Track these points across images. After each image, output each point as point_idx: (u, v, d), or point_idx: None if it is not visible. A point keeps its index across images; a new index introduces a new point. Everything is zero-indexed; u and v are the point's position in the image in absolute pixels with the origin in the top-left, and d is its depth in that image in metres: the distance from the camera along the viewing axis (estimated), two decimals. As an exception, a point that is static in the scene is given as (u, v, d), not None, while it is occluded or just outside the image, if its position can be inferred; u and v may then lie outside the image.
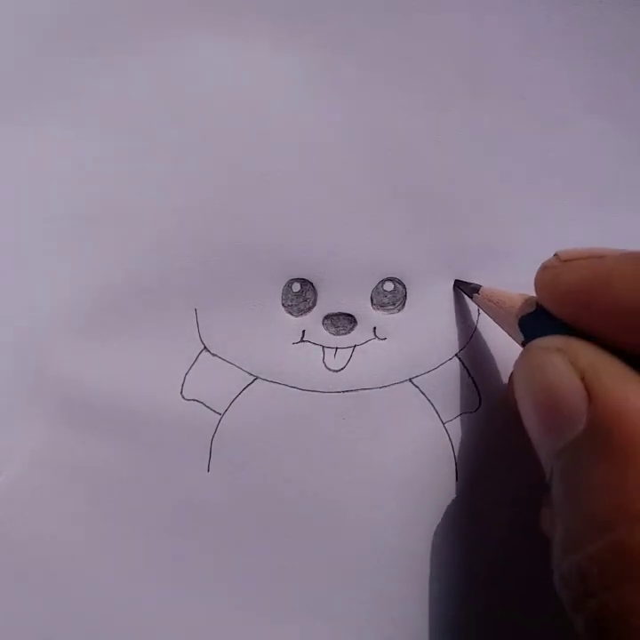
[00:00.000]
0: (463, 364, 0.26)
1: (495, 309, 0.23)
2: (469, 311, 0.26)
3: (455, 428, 0.26)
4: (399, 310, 0.26)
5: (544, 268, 0.20)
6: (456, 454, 0.26)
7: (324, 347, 0.26)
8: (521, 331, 0.22)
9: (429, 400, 0.26)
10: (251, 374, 0.25)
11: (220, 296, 0.25)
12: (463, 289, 0.25)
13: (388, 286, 0.26)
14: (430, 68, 0.25)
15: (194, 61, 0.25)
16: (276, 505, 0.25)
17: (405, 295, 0.26)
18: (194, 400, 0.25)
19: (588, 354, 0.18)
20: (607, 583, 0.16)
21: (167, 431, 0.25)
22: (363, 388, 0.26)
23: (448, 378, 0.26)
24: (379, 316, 0.26)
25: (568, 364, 0.18)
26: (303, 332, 0.26)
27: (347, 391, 0.26)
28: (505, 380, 0.26)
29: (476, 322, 0.26)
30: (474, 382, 0.26)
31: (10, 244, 0.25)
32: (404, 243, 0.25)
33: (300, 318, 0.26)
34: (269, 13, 0.24)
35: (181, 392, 0.25)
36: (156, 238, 0.25)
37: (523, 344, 0.22)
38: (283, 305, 0.26)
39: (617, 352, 0.18)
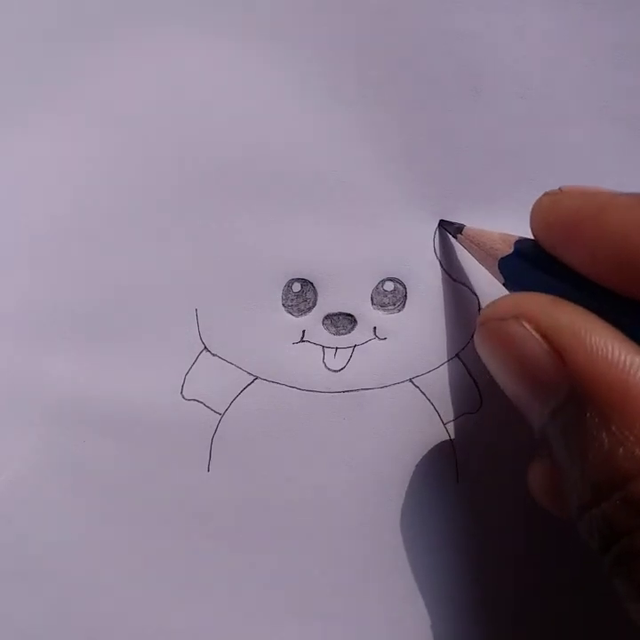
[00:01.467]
0: (464, 364, 0.26)
1: (477, 251, 0.23)
2: (469, 311, 0.26)
3: (456, 428, 0.26)
4: (399, 310, 0.26)
5: (545, 194, 0.20)
6: (457, 455, 0.26)
7: (324, 347, 0.26)
8: (500, 272, 0.22)
9: (430, 400, 0.26)
10: (251, 374, 0.25)
11: (221, 296, 0.25)
12: (448, 229, 0.25)
13: (388, 286, 0.26)
14: (430, 68, 0.25)
15: (194, 62, 0.25)
16: (276, 505, 0.25)
17: (405, 295, 0.26)
18: (194, 400, 0.25)
19: (546, 311, 0.18)
20: (633, 525, 0.16)
21: (167, 431, 0.25)
22: (363, 388, 0.26)
23: (449, 378, 0.26)
24: (379, 316, 0.26)
25: (528, 328, 0.18)
26: (303, 331, 0.26)
27: (347, 391, 0.26)
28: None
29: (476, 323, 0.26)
30: (475, 382, 0.26)
31: (10, 243, 0.25)
32: (404, 243, 0.25)
33: (300, 318, 0.26)
34: (269, 13, 0.25)
35: (181, 392, 0.25)
36: (156, 238, 0.25)
37: (504, 285, 0.22)
38: (283, 305, 0.26)
39: (597, 293, 0.18)
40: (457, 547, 0.25)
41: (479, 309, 0.26)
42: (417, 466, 0.25)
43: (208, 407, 0.25)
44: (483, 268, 0.24)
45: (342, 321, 0.26)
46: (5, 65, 0.24)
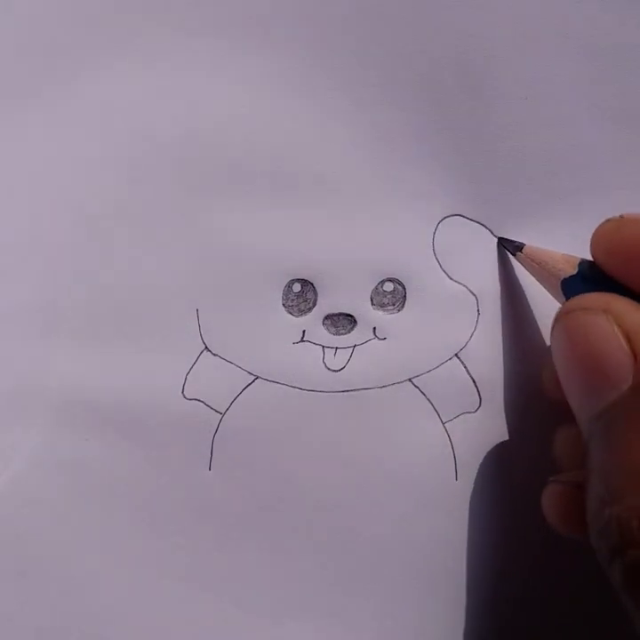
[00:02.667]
0: (463, 363, 0.26)
1: (538, 270, 0.23)
2: (468, 311, 0.26)
3: (455, 428, 0.26)
4: (399, 310, 0.26)
5: (606, 220, 0.21)
6: (456, 454, 0.26)
7: (324, 347, 0.26)
8: (563, 293, 0.22)
9: (429, 400, 0.26)
10: (251, 374, 0.25)
11: (221, 296, 0.25)
12: (506, 246, 0.25)
13: (388, 286, 0.26)
14: (431, 68, 0.25)
15: (194, 62, 0.25)
16: (276, 504, 0.25)
17: (405, 295, 0.26)
18: (195, 400, 0.25)
19: (633, 314, 0.19)
20: None
21: (168, 431, 0.25)
22: (362, 388, 0.26)
23: (448, 378, 0.26)
24: (379, 317, 0.26)
25: (613, 324, 0.18)
26: (303, 331, 0.26)
27: (347, 391, 0.26)
28: (506, 379, 0.26)
29: (476, 321, 0.26)
30: (474, 382, 0.26)
31: (10, 244, 0.25)
32: (404, 243, 0.26)
33: (300, 318, 0.26)
34: (269, 12, 0.25)
35: (182, 392, 0.25)
36: (156, 238, 0.25)
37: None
38: (283, 305, 0.26)
39: None
40: (456, 545, 0.25)
41: (478, 309, 0.26)
42: (416, 465, 0.26)
43: (209, 407, 0.25)
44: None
45: (342, 321, 0.26)
46: (5, 65, 0.24)
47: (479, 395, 0.26)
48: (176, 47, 0.25)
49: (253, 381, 0.25)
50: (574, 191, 0.26)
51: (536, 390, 0.25)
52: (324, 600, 0.25)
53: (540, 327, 0.25)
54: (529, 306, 0.26)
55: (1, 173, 0.25)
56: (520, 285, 0.26)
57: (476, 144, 0.25)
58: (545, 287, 0.23)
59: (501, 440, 0.26)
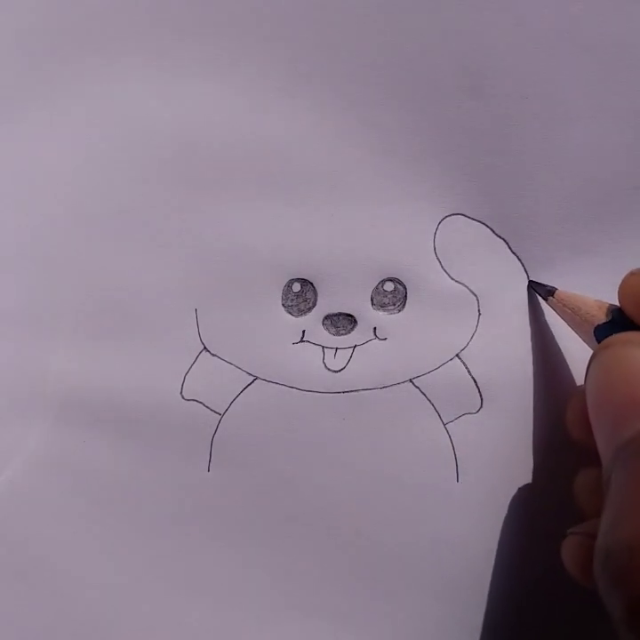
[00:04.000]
0: (464, 364, 0.26)
1: (570, 315, 0.23)
2: (469, 311, 0.26)
3: (456, 428, 0.26)
4: (399, 310, 0.26)
5: (631, 274, 0.21)
6: (457, 455, 0.26)
7: (323, 347, 0.26)
8: (596, 339, 0.22)
9: (430, 401, 0.26)
10: (250, 374, 0.25)
11: (221, 296, 0.25)
12: (538, 291, 0.25)
13: (389, 286, 0.26)
14: (431, 68, 0.25)
15: (193, 62, 0.25)
16: (275, 505, 0.25)
17: (405, 295, 0.26)
18: (194, 400, 0.25)
19: None
20: None
21: (167, 431, 0.25)
22: (363, 389, 0.26)
23: (449, 378, 0.26)
24: (379, 317, 0.26)
25: None
26: (303, 332, 0.26)
27: (347, 391, 0.26)
28: (507, 380, 0.26)
29: (477, 321, 0.26)
30: (475, 383, 0.26)
31: (10, 244, 0.25)
32: (405, 242, 0.25)
33: (300, 318, 0.26)
34: (269, 12, 0.25)
35: (181, 392, 0.25)
36: (156, 238, 0.25)
37: None
38: (283, 305, 0.26)
39: None
40: (456, 546, 0.25)
41: (479, 309, 0.26)
42: (417, 466, 0.25)
43: (208, 407, 0.25)
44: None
45: (342, 321, 0.26)
46: (5, 65, 0.24)
47: (480, 395, 0.26)
48: (175, 47, 0.25)
49: (253, 382, 0.25)
50: (575, 190, 0.25)
51: (538, 392, 0.25)
52: (324, 600, 0.25)
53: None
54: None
55: (2, 173, 0.25)
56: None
57: (477, 143, 0.25)
58: (575, 331, 0.24)
59: (503, 440, 0.26)
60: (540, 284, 0.25)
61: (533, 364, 0.25)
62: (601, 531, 0.18)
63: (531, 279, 0.26)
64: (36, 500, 0.25)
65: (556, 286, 0.25)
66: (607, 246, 0.26)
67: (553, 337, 0.26)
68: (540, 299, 0.25)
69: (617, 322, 0.22)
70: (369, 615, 0.25)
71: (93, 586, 0.25)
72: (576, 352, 0.25)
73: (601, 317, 0.22)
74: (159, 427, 0.25)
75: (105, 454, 0.25)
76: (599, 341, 0.22)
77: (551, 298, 0.24)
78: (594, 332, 0.22)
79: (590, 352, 0.21)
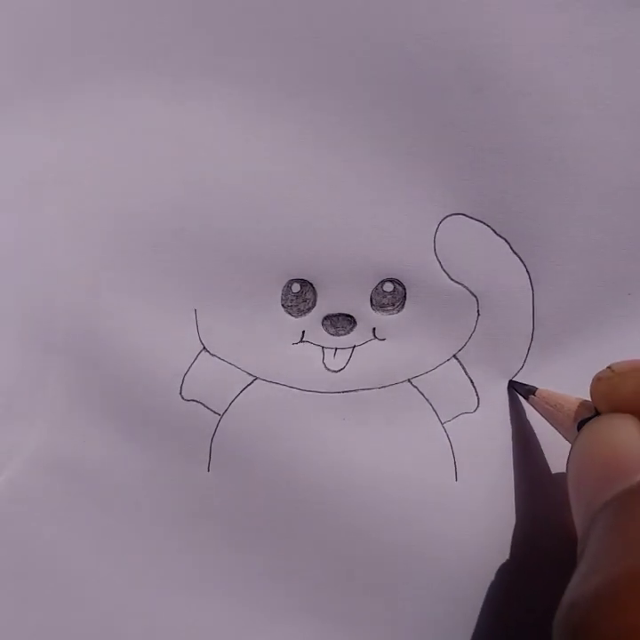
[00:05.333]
0: (462, 364, 0.26)
1: (552, 412, 0.24)
2: (468, 312, 0.26)
3: (454, 428, 0.26)
4: (399, 311, 0.26)
5: (598, 380, 0.21)
6: (455, 455, 0.26)
7: (323, 347, 0.26)
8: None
9: (428, 400, 0.26)
10: (250, 375, 0.25)
11: (220, 296, 0.25)
12: (518, 390, 0.26)
13: (388, 287, 0.26)
14: (432, 66, 0.24)
15: (193, 61, 0.24)
16: (275, 505, 0.25)
17: (405, 296, 0.26)
18: (193, 400, 0.25)
19: None
20: (625, 605, 0.15)
21: (167, 432, 0.25)
22: (362, 389, 0.26)
23: (447, 378, 0.26)
24: (378, 317, 0.26)
25: (637, 423, 0.20)
26: (303, 332, 0.26)
27: (346, 392, 0.26)
28: (503, 380, 0.26)
29: (475, 322, 0.26)
30: (472, 383, 0.26)
31: (10, 243, 0.25)
32: (405, 242, 0.25)
33: (299, 319, 0.26)
34: (269, 13, 0.24)
35: (180, 392, 0.25)
36: (155, 238, 0.25)
37: None
38: (282, 305, 0.25)
39: None
40: (455, 546, 0.25)
41: (478, 310, 0.26)
42: (415, 465, 0.26)
43: (207, 408, 0.25)
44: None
45: (342, 322, 0.26)
46: (5, 66, 0.24)
47: (477, 395, 0.26)
48: (175, 47, 0.24)
49: (252, 382, 0.25)
50: (577, 189, 0.25)
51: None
52: (324, 601, 0.25)
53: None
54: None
55: (3, 170, 0.24)
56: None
57: (478, 142, 0.25)
58: (557, 428, 0.24)
59: (500, 440, 0.26)
60: (520, 383, 0.26)
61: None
62: (568, 588, 0.18)
63: (511, 379, 0.26)
64: (36, 499, 0.25)
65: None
66: (609, 245, 0.26)
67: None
68: (520, 397, 0.26)
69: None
70: (367, 614, 0.25)
71: (93, 586, 0.25)
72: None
73: (585, 413, 0.22)
74: (159, 427, 0.25)
75: (104, 455, 0.25)
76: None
77: (532, 397, 0.25)
78: (578, 426, 0.22)
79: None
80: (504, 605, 0.25)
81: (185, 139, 0.25)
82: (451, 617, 0.25)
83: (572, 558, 0.25)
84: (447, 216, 0.25)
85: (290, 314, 0.26)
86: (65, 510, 0.25)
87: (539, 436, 0.26)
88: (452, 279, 0.26)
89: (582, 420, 0.22)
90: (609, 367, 0.21)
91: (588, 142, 0.25)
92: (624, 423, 0.20)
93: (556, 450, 0.25)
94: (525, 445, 0.26)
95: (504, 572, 0.25)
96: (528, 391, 0.25)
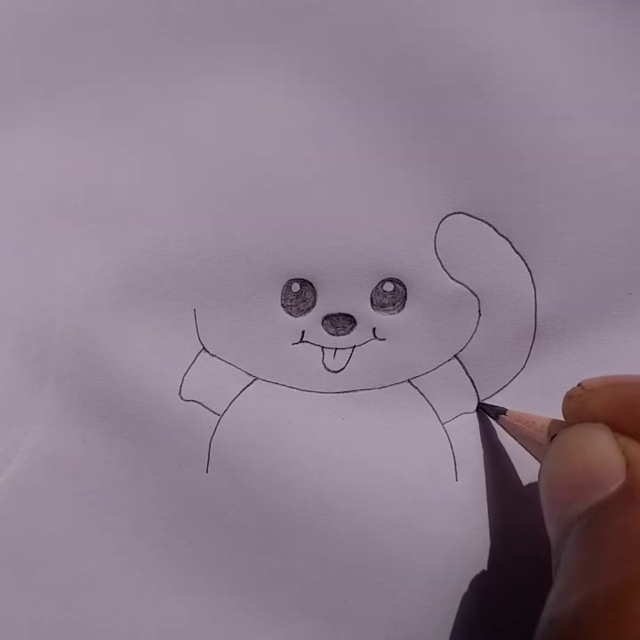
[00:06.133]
0: (462, 364, 0.26)
1: (524, 430, 0.24)
2: (469, 311, 0.26)
3: (454, 428, 0.26)
4: (399, 311, 0.26)
5: (569, 397, 0.21)
6: (455, 455, 0.26)
7: (323, 347, 0.26)
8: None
9: (428, 401, 0.26)
10: (250, 375, 0.25)
11: (219, 296, 0.25)
12: (487, 411, 0.26)
13: (388, 287, 0.25)
14: (432, 69, 0.24)
15: (193, 61, 0.24)
16: (275, 506, 0.25)
17: (405, 296, 0.25)
18: (192, 401, 0.25)
19: (629, 440, 0.19)
20: (609, 621, 0.16)
21: (166, 432, 0.25)
22: (362, 389, 0.26)
23: (447, 379, 0.26)
24: (378, 317, 0.26)
25: (611, 437, 0.19)
26: (302, 332, 0.25)
27: (346, 392, 0.26)
28: (504, 381, 0.26)
29: (476, 322, 0.26)
30: (472, 383, 0.26)
31: (10, 243, 0.25)
32: (405, 242, 0.25)
33: (299, 319, 0.25)
34: (269, 12, 0.24)
35: (180, 393, 0.25)
36: (154, 238, 0.25)
37: None
38: (282, 305, 0.25)
39: None
40: (455, 546, 0.25)
41: (479, 310, 0.26)
42: (416, 466, 0.25)
43: (207, 408, 0.25)
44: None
45: (342, 321, 0.26)
46: (5, 65, 0.24)
47: (477, 395, 0.26)
48: (175, 47, 0.24)
49: (252, 382, 0.25)
50: (577, 188, 0.25)
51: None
52: (323, 602, 0.25)
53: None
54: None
55: (3, 170, 0.24)
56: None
57: (479, 142, 0.25)
58: (528, 449, 0.24)
59: (500, 440, 0.26)
60: (490, 405, 0.26)
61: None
62: (546, 604, 0.18)
63: (480, 401, 0.26)
64: (35, 499, 0.25)
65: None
66: (609, 244, 0.26)
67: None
68: (490, 419, 0.26)
69: None
70: (367, 614, 0.25)
71: (93, 585, 0.25)
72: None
73: (558, 429, 0.22)
74: (158, 427, 0.25)
75: (104, 454, 0.25)
76: None
77: (502, 416, 0.25)
78: (551, 441, 0.22)
79: None
80: (504, 606, 0.25)
81: (185, 139, 0.24)
82: (450, 617, 0.25)
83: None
84: (448, 215, 0.25)
85: (289, 314, 0.25)
86: (65, 510, 0.25)
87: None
88: (452, 279, 0.25)
89: (555, 435, 0.22)
90: (579, 384, 0.21)
91: (588, 142, 0.25)
92: (597, 432, 0.20)
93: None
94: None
95: (504, 572, 0.25)
96: (497, 412, 0.25)
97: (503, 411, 0.25)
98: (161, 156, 0.25)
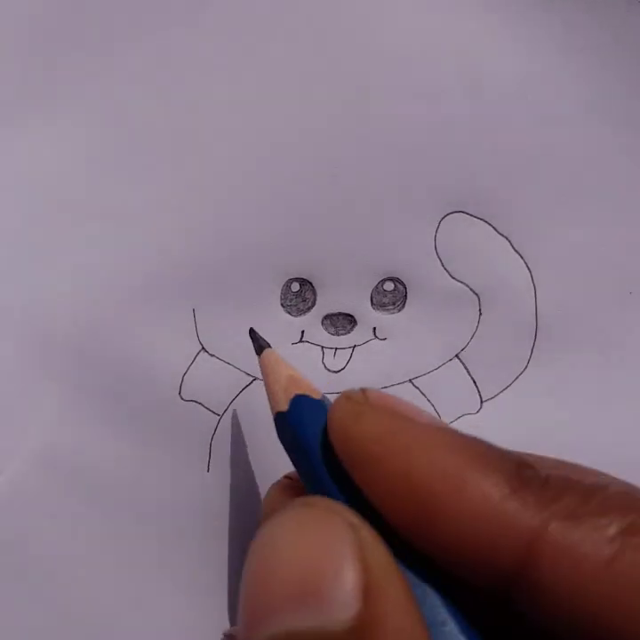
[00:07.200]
0: (464, 364, 0.26)
1: (265, 378, 0.20)
2: (470, 311, 0.25)
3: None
4: (399, 310, 0.25)
5: (346, 399, 0.16)
6: (457, 455, 0.25)
7: (323, 347, 0.25)
8: (276, 426, 0.18)
9: (430, 401, 0.26)
10: (249, 375, 0.25)
11: (219, 296, 0.25)
12: (253, 341, 0.22)
13: (388, 286, 0.25)
14: (431, 66, 0.24)
15: (193, 61, 0.24)
16: (274, 506, 0.25)
17: (405, 295, 0.25)
18: (192, 401, 0.25)
19: (374, 544, 0.14)
20: None
21: (166, 432, 0.25)
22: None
23: (448, 379, 0.26)
24: (379, 317, 0.25)
25: (350, 535, 0.13)
26: (302, 332, 0.25)
27: (346, 392, 0.25)
28: (506, 381, 0.26)
29: (477, 321, 0.26)
30: (474, 383, 0.26)
31: (9, 243, 0.25)
32: (405, 241, 0.25)
33: (299, 318, 0.25)
34: (269, 12, 0.24)
35: (180, 393, 0.25)
36: (154, 238, 0.25)
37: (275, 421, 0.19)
38: (282, 305, 0.25)
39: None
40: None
41: (480, 309, 0.25)
42: (417, 466, 0.25)
43: (207, 408, 0.25)
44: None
45: (342, 321, 0.25)
46: (5, 66, 0.24)
47: (480, 396, 0.26)
48: (175, 45, 0.24)
49: (251, 382, 0.25)
50: (577, 188, 0.25)
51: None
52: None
53: None
54: None
55: (3, 170, 0.24)
56: None
57: (479, 141, 0.25)
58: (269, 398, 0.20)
59: (502, 441, 0.26)
60: (258, 336, 0.22)
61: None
62: None
63: (251, 327, 0.22)
64: (35, 499, 0.25)
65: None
66: (609, 243, 0.25)
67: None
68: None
69: (294, 415, 0.18)
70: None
71: (93, 586, 0.25)
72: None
73: (284, 403, 0.18)
74: (158, 427, 0.25)
75: (104, 454, 0.25)
76: (279, 430, 0.18)
77: (259, 356, 0.21)
78: (274, 419, 0.18)
79: None
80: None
81: (185, 138, 0.25)
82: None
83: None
84: (448, 214, 0.25)
85: (289, 313, 0.25)
86: (64, 510, 0.25)
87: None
88: (453, 277, 0.25)
89: (279, 412, 0.18)
90: (362, 389, 0.16)
91: (587, 141, 0.25)
92: (329, 521, 0.13)
93: None
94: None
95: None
96: (260, 347, 0.21)
97: (263, 348, 0.21)
98: (161, 155, 0.25)
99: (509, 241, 0.25)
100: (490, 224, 0.25)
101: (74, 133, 0.24)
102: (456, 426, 0.25)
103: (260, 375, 0.25)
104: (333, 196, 0.25)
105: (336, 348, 0.25)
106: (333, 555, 0.13)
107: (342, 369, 0.25)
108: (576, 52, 0.24)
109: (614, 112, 0.24)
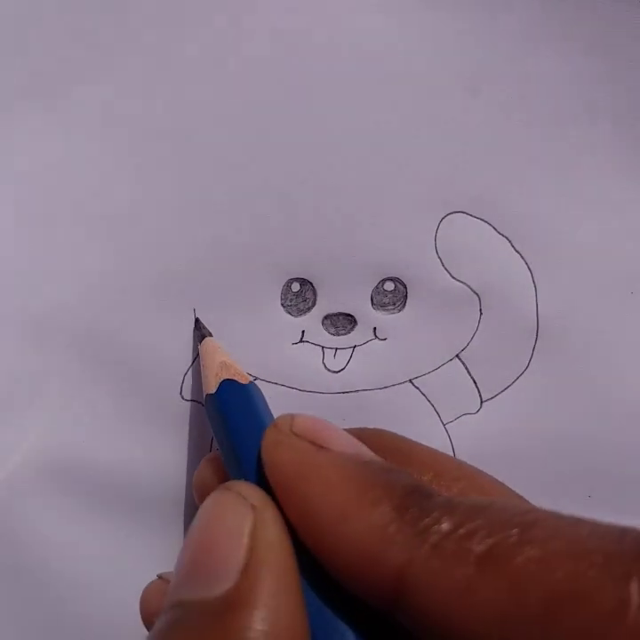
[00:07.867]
0: (464, 364, 0.26)
1: (201, 363, 0.22)
2: (470, 310, 0.25)
3: (455, 429, 0.26)
4: (399, 310, 0.25)
5: (274, 426, 0.17)
6: (456, 456, 0.25)
7: (323, 347, 0.25)
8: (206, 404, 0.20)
9: (430, 401, 0.26)
10: (249, 375, 0.25)
11: (219, 296, 0.25)
12: (197, 329, 0.24)
13: (389, 286, 0.25)
14: (430, 68, 0.24)
15: (193, 60, 0.24)
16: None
17: (406, 295, 0.25)
18: (193, 401, 0.25)
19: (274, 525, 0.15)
20: None
21: (167, 431, 0.25)
22: (363, 389, 0.26)
23: (448, 379, 0.26)
24: (379, 317, 0.25)
25: (248, 515, 0.15)
26: (303, 332, 0.25)
27: (346, 392, 0.25)
28: (507, 381, 0.26)
29: (478, 321, 0.26)
30: (474, 383, 0.26)
31: (9, 243, 0.25)
32: (406, 241, 0.25)
33: (299, 318, 0.25)
34: (268, 11, 0.24)
35: (180, 392, 0.25)
36: (154, 238, 0.25)
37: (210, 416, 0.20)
38: (282, 305, 0.25)
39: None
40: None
41: (480, 309, 0.25)
42: (417, 466, 0.25)
43: (207, 408, 0.25)
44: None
45: (342, 321, 0.25)
46: (4, 67, 0.24)
47: (480, 396, 0.26)
48: (175, 44, 0.24)
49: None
50: (576, 187, 0.25)
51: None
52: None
53: None
54: None
55: (3, 170, 0.24)
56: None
57: (478, 141, 0.25)
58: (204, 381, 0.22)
59: (502, 441, 0.26)
60: (202, 325, 0.24)
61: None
62: None
63: (197, 317, 0.24)
64: (35, 499, 0.25)
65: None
66: (610, 243, 0.25)
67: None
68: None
69: (220, 397, 0.20)
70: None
71: (93, 586, 0.25)
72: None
73: (213, 386, 0.20)
74: (158, 426, 0.25)
75: (104, 455, 0.25)
76: (208, 410, 0.20)
77: (201, 343, 0.23)
78: (205, 400, 0.20)
79: None
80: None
81: (185, 139, 0.25)
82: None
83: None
84: (448, 214, 0.25)
85: (289, 313, 0.25)
86: (64, 510, 0.25)
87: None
88: (453, 277, 0.25)
89: (209, 393, 0.20)
90: (291, 415, 0.17)
91: (587, 141, 0.25)
92: (232, 501, 0.15)
93: None
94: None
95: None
96: (202, 335, 0.23)
97: (204, 336, 0.23)
98: (161, 156, 0.25)
99: (509, 241, 0.25)
100: (490, 224, 0.25)
101: (74, 134, 0.24)
102: (456, 426, 0.26)
103: (260, 375, 0.25)
104: (334, 196, 0.25)
105: (336, 348, 0.25)
106: (227, 533, 0.15)
107: (342, 369, 0.25)
108: (576, 52, 0.24)
109: (614, 112, 0.24)
